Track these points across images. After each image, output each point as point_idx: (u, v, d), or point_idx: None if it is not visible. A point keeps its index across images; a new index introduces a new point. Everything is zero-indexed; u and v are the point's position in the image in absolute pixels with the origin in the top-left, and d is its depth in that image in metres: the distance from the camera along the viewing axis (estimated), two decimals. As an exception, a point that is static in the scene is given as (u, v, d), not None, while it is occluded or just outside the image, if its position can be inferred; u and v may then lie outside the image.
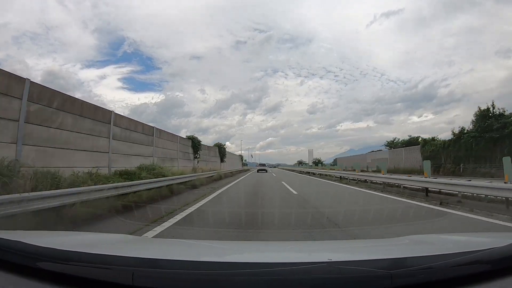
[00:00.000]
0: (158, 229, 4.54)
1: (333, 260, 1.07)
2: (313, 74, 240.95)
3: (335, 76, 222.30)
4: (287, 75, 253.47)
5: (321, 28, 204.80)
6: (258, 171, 34.39)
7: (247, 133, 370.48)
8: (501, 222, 5.07)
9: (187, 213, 6.16)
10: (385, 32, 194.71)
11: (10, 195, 3.96)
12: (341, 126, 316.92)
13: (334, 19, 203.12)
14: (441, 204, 7.15)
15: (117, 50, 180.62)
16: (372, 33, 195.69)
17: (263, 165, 42.41)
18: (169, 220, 5.23)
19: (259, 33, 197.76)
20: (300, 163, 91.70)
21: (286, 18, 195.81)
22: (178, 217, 5.58)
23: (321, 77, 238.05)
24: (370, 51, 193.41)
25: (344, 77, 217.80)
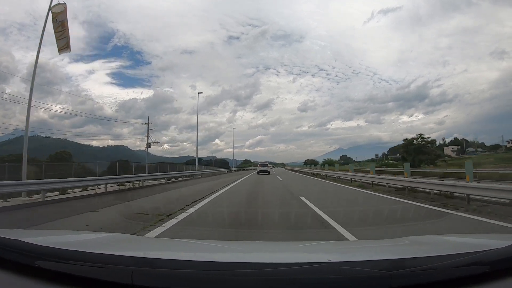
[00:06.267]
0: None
1: (332, 260, 1.08)
2: (305, 72, 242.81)
3: (327, 74, 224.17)
4: (279, 72, 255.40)
5: (316, 25, 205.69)
6: (258, 172, 30.81)
7: (236, 130, 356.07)
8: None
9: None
10: (381, 30, 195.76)
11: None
12: (332, 124, 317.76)
13: (331, 15, 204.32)
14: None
15: (107, 44, 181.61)
16: (368, 31, 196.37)
17: (265, 165, 33.94)
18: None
19: (253, 28, 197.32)
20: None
21: (281, 13, 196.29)
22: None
23: (313, 75, 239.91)
24: (364, 49, 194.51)
25: (337, 76, 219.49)
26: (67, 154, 38.39)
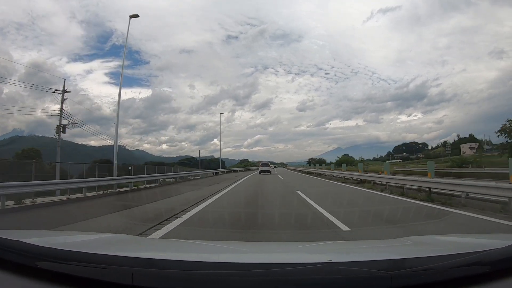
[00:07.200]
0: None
1: (333, 260, 1.08)
2: (304, 71, 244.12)
3: (326, 73, 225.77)
4: (278, 71, 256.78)
5: (315, 24, 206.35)
6: (260, 172, 30.69)
7: (235, 130, 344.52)
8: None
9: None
10: (380, 30, 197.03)
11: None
12: (330, 124, 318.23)
13: (330, 15, 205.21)
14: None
15: (105, 44, 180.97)
16: (367, 30, 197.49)
17: (267, 165, 33.16)
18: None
19: (251, 28, 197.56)
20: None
21: (280, 13, 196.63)
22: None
23: (312, 75, 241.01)
24: (363, 49, 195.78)
25: (335, 75, 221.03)
26: (35, 152, 35.73)
